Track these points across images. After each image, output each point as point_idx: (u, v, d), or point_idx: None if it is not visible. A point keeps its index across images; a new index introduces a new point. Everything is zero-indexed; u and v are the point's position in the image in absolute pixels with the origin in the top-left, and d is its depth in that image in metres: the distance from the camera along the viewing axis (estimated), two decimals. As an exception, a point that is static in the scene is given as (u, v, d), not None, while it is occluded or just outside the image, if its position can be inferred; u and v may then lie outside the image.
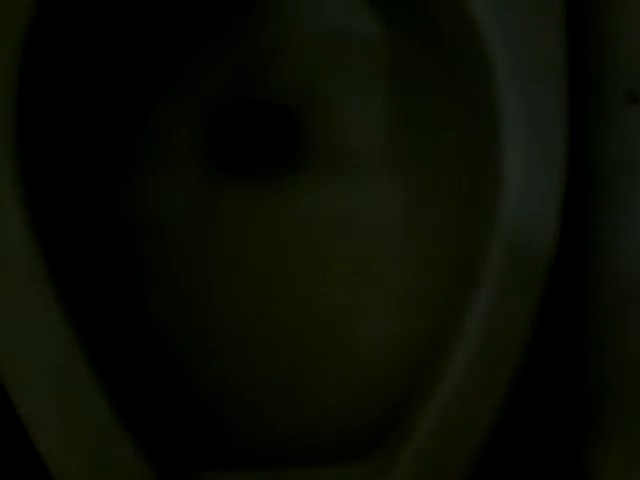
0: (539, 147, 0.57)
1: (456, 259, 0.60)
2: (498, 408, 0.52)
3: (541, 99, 0.58)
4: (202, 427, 0.58)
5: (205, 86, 0.67)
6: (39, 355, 0.49)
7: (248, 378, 0.59)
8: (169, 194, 0.63)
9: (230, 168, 0.67)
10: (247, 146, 0.68)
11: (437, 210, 0.63)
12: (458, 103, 0.62)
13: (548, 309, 0.77)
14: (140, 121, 0.64)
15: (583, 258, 0.82)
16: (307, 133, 0.68)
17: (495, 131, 0.57)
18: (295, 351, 0.60)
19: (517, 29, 0.58)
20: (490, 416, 0.52)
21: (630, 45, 0.84)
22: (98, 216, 0.61)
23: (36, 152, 0.54)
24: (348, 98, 0.68)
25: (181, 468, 0.51)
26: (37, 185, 0.53)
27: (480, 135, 0.60)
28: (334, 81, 0.68)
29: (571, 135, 0.62)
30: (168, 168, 0.63)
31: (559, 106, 0.58)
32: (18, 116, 0.51)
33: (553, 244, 0.56)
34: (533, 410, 0.77)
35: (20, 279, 0.49)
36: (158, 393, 0.58)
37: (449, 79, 0.63)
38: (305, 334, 0.60)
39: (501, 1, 0.58)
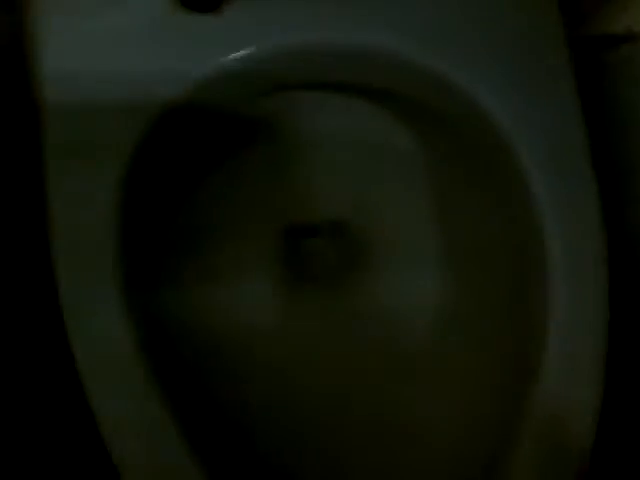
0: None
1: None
2: None
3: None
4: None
5: (270, 215, 0.73)
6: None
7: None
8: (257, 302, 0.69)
9: (300, 279, 0.71)
10: (311, 259, 0.73)
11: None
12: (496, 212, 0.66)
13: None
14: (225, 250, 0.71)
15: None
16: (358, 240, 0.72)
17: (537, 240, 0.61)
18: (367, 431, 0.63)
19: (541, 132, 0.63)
20: None
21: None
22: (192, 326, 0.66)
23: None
24: (388, 208, 0.74)
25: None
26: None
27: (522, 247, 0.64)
28: (374, 193, 0.74)
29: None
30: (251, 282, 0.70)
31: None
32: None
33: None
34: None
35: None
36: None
37: (484, 189, 0.67)
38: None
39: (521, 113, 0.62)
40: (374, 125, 0.74)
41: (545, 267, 0.60)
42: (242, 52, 0.63)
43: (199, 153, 0.71)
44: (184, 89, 0.61)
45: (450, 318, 0.68)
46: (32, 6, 0.62)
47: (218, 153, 0.72)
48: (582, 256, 0.61)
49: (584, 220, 0.63)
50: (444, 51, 0.64)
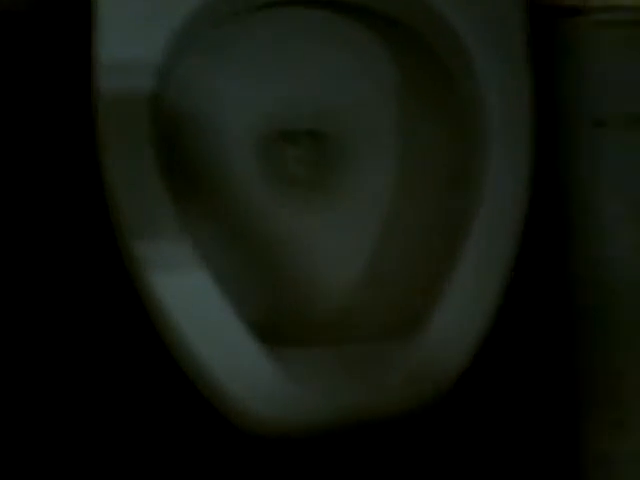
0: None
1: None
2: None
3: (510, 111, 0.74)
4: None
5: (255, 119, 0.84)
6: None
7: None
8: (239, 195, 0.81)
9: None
10: (292, 162, 0.85)
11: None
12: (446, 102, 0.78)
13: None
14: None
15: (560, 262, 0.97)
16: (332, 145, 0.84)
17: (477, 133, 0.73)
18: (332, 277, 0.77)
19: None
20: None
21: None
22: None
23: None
24: (359, 115, 0.85)
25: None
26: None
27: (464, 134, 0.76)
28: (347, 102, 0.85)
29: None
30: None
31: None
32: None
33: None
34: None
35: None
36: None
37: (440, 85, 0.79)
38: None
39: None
40: (351, 41, 0.84)
41: (482, 138, 0.72)
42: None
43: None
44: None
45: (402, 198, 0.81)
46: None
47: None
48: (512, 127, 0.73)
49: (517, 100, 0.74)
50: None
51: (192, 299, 0.65)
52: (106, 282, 0.87)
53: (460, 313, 0.67)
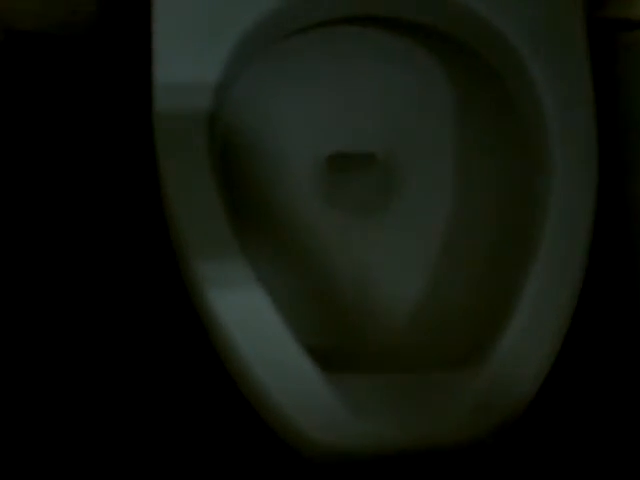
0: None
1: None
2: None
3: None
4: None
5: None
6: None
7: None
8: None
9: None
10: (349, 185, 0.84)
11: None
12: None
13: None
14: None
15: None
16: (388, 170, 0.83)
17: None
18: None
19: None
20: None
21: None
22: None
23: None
24: (415, 140, 0.84)
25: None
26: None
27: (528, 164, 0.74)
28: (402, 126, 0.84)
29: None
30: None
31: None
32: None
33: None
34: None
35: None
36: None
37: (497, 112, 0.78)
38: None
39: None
40: (410, 59, 0.83)
41: (545, 153, 0.70)
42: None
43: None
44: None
45: (461, 223, 0.79)
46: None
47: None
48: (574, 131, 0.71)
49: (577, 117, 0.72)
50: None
51: (251, 321, 0.64)
52: (165, 300, 0.87)
53: (526, 341, 0.65)
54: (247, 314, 0.64)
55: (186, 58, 0.71)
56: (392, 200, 0.82)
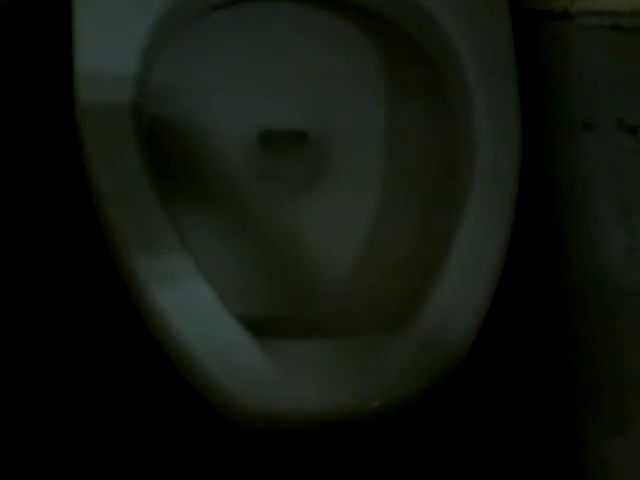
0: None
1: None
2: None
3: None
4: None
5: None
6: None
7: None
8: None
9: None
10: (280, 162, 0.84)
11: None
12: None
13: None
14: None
15: (555, 261, 0.96)
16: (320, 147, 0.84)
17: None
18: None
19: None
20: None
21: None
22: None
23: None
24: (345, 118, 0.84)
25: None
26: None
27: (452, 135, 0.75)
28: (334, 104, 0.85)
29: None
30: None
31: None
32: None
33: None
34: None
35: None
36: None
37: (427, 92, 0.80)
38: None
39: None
40: (338, 37, 0.84)
41: (470, 135, 0.72)
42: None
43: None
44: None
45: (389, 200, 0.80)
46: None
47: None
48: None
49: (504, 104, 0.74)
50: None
51: (182, 293, 0.64)
52: (97, 281, 0.86)
53: (450, 310, 0.66)
54: (177, 286, 0.64)
55: (104, 48, 0.71)
56: (324, 174, 0.82)
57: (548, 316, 0.92)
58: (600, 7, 1.09)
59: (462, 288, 0.66)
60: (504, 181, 0.71)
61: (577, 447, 0.87)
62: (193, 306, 0.63)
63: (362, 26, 0.84)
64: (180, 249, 0.65)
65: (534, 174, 0.98)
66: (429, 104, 0.80)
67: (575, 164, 1.03)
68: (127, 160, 0.68)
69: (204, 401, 0.64)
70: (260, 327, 0.65)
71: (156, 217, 0.66)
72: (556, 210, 1.00)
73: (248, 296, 0.73)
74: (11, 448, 0.81)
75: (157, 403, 0.82)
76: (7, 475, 0.80)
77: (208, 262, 0.66)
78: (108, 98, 0.69)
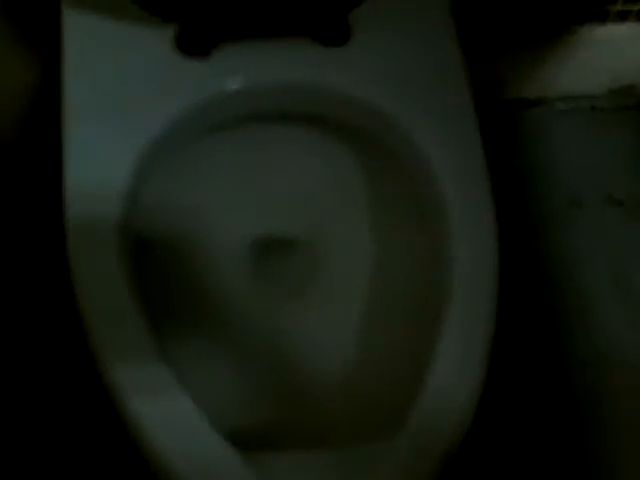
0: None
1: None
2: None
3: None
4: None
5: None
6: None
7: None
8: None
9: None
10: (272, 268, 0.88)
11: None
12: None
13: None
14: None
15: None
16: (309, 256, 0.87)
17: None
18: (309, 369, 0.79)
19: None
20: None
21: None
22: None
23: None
24: (333, 228, 0.88)
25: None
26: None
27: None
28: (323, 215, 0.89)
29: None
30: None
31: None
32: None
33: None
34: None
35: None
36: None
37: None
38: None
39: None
40: (326, 154, 0.88)
41: (448, 231, 0.75)
42: (226, 87, 0.80)
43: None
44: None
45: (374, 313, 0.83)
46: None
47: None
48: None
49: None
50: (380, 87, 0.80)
51: (168, 414, 0.66)
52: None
53: (444, 403, 0.67)
54: (166, 412, 0.66)
55: (95, 167, 0.74)
56: (315, 277, 0.86)
57: (550, 391, 0.94)
58: (577, 91, 1.13)
59: (450, 384, 0.68)
60: (483, 287, 0.73)
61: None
62: (173, 418, 0.65)
63: (350, 143, 0.88)
64: (160, 362, 0.67)
65: (528, 254, 1.02)
66: (410, 215, 0.83)
67: (566, 242, 1.06)
68: (112, 278, 0.70)
69: None
70: (247, 440, 0.66)
71: (140, 333, 0.68)
72: (552, 290, 1.02)
73: (240, 408, 0.75)
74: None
75: None
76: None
77: (197, 371, 0.69)
78: (96, 216, 0.72)
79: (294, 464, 0.65)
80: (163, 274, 0.82)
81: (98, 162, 0.74)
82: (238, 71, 0.80)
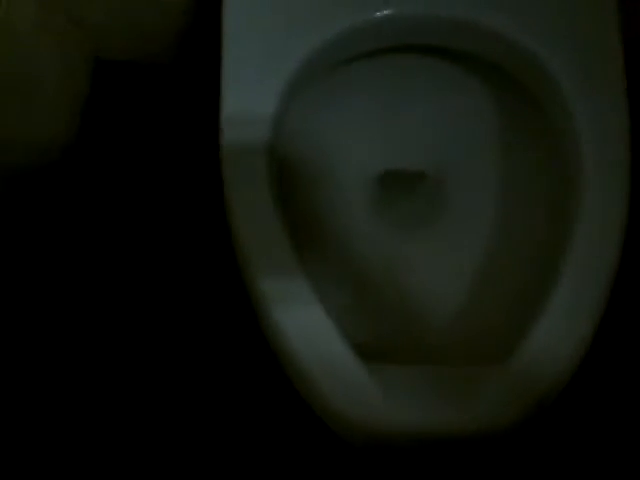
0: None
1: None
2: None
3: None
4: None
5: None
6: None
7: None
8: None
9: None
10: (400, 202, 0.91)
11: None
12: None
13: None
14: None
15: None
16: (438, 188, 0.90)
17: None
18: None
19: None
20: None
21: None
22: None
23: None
24: (463, 161, 0.90)
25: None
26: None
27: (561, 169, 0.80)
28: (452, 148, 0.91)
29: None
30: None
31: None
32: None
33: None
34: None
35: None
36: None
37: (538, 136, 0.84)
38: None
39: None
40: (464, 92, 0.90)
41: (578, 175, 0.76)
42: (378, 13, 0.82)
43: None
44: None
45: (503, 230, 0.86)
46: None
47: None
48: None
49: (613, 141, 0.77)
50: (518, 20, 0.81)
51: (307, 327, 0.71)
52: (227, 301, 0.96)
53: (552, 342, 0.70)
54: (304, 321, 0.71)
55: (248, 92, 0.78)
56: (440, 214, 0.89)
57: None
58: None
59: (563, 324, 0.70)
60: (610, 221, 0.74)
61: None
62: (312, 330, 0.71)
63: (481, 76, 0.90)
64: (308, 288, 0.72)
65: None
66: (540, 148, 0.84)
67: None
68: (260, 195, 0.75)
69: (315, 416, 0.72)
70: (370, 354, 0.71)
71: (284, 250, 0.73)
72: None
73: (361, 326, 0.80)
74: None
75: (271, 414, 0.91)
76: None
77: (329, 298, 0.73)
78: (249, 139, 0.77)
79: (410, 376, 0.70)
80: (299, 198, 0.87)
81: (250, 89, 0.78)
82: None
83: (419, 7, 0.82)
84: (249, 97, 0.78)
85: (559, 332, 0.70)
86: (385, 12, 0.82)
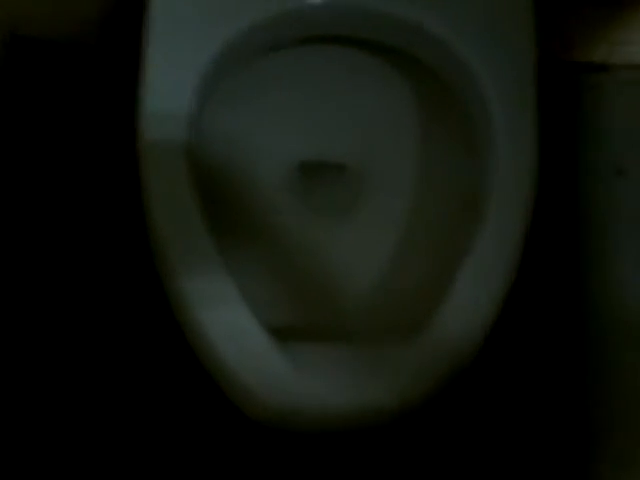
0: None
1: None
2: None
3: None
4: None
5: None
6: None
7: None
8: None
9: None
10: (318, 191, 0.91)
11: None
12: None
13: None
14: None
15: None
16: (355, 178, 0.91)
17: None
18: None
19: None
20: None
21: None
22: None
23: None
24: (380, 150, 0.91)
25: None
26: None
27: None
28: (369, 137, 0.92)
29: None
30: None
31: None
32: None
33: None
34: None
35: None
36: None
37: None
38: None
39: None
40: (381, 83, 0.91)
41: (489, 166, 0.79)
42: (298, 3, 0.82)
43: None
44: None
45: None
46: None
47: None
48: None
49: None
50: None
51: (218, 304, 0.71)
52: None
53: (459, 320, 0.71)
54: (218, 303, 0.71)
55: (164, 85, 0.77)
56: (359, 203, 0.89)
57: (565, 348, 0.96)
58: (638, 60, 1.13)
59: (469, 304, 0.72)
60: (515, 212, 0.77)
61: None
62: (220, 304, 0.71)
63: (401, 69, 0.91)
64: (226, 274, 0.72)
65: (566, 212, 1.03)
66: (458, 139, 0.86)
67: (606, 207, 1.07)
68: (180, 191, 0.75)
69: (226, 399, 0.71)
70: (286, 333, 0.71)
71: (202, 241, 0.73)
72: (583, 248, 1.04)
73: (280, 309, 0.80)
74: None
75: (178, 392, 0.90)
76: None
77: (247, 280, 0.73)
78: (166, 137, 0.76)
79: (323, 352, 0.70)
80: (220, 192, 0.86)
81: (167, 80, 0.78)
82: None
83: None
84: (165, 91, 0.77)
85: (465, 310, 0.72)
86: (301, 2, 0.83)
